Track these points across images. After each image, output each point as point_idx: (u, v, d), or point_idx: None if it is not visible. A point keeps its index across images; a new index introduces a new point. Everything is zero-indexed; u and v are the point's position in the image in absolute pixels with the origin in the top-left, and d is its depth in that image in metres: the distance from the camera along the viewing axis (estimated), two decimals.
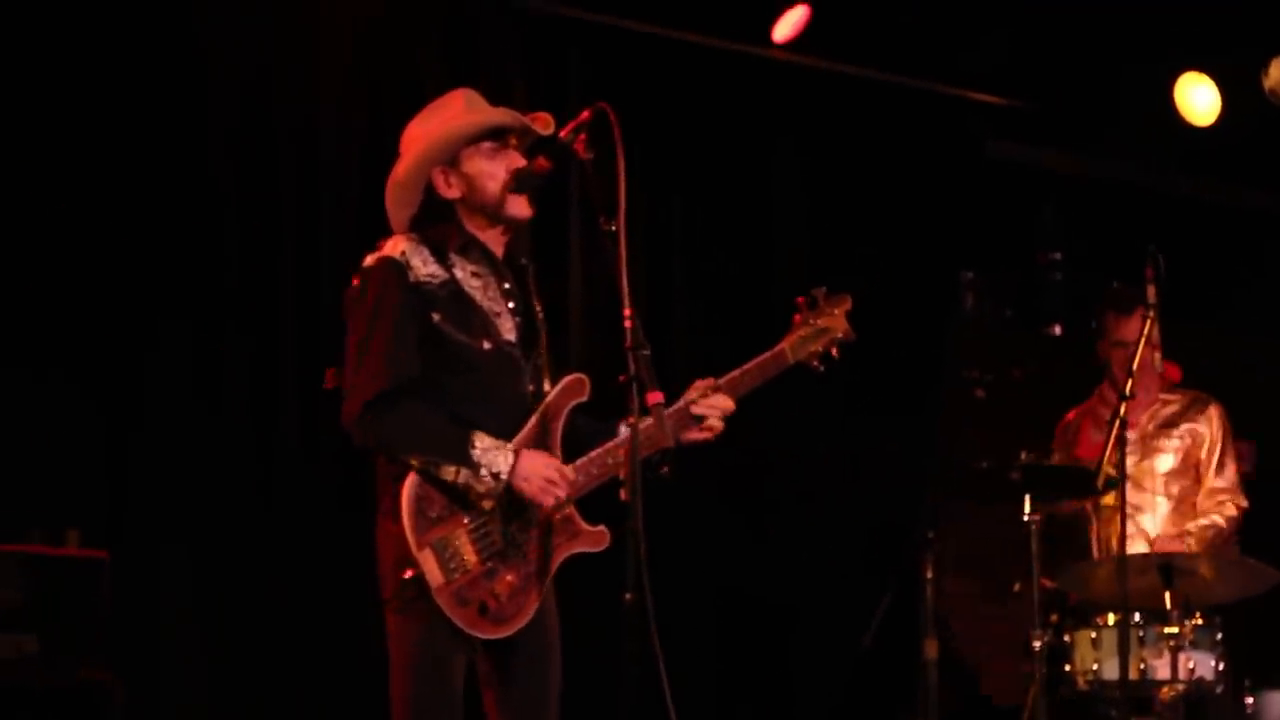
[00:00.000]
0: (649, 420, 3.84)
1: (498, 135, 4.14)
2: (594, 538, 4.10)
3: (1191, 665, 5.45)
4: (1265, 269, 8.17)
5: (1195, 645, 5.46)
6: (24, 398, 5.61)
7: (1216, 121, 7.39)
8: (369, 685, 4.24)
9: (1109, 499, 5.81)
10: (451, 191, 4.13)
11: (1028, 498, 5.45)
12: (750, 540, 6.94)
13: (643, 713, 3.72)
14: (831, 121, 7.29)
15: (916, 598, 6.27)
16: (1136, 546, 5.74)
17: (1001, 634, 6.97)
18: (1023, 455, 5.55)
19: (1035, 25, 7.17)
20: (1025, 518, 5.46)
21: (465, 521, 3.94)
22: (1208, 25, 7.07)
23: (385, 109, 6.08)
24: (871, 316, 4.56)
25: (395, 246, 4.05)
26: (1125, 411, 5.13)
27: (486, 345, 4.06)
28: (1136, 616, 5.46)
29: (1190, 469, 6.03)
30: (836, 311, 4.39)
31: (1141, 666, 5.44)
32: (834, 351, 4.37)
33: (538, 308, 4.23)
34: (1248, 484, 6.17)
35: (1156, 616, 5.47)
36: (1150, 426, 6.04)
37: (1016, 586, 5.87)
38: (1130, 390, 5.19)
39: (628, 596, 3.67)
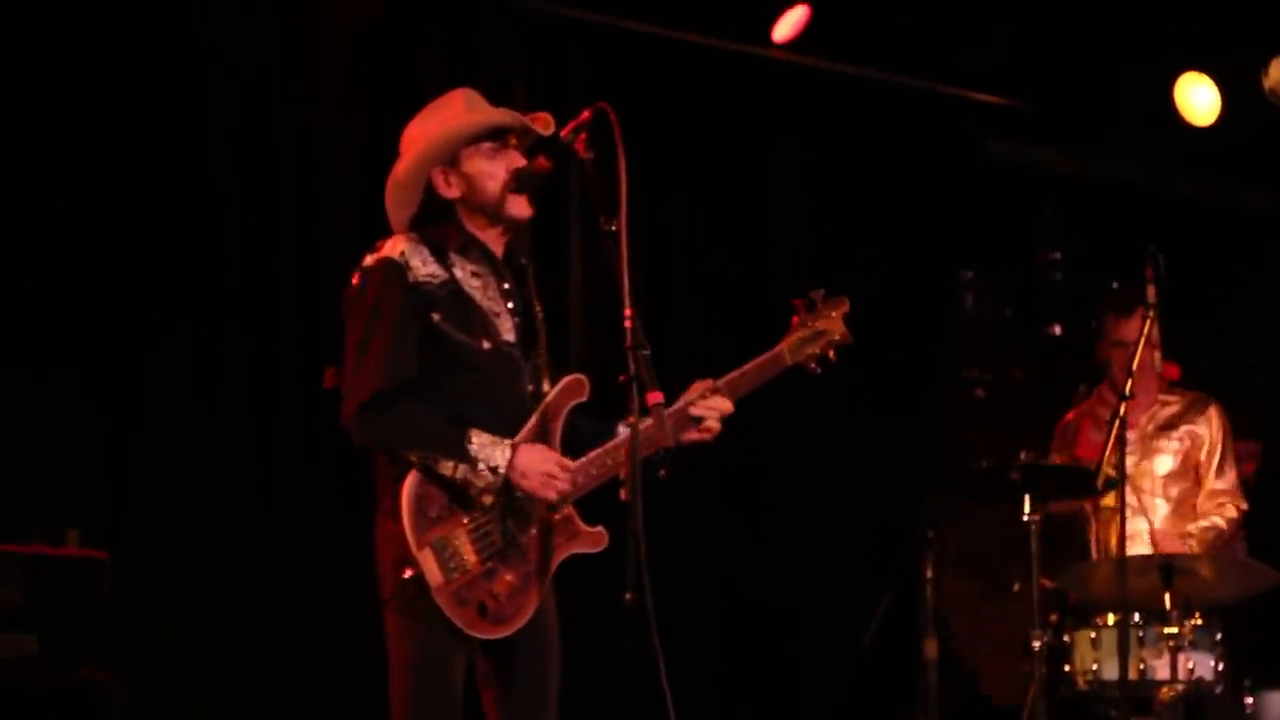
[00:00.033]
0: (649, 420, 3.84)
1: (498, 135, 4.14)
2: (593, 538, 4.10)
3: (1191, 665, 5.45)
4: (1265, 269, 8.18)
5: (1195, 645, 5.46)
6: (24, 398, 5.61)
7: (1216, 121, 7.39)
8: (369, 685, 4.24)
9: (1109, 500, 5.81)
10: (451, 191, 4.13)
11: (1027, 498, 5.45)
12: (750, 540, 6.95)
13: (643, 713, 3.72)
14: (831, 122, 7.29)
15: (916, 597, 6.27)
16: (1136, 548, 5.73)
17: (1001, 634, 6.97)
18: (1022, 455, 5.55)
19: (1035, 25, 7.17)
20: (1025, 518, 5.46)
21: (465, 521, 3.95)
22: (1208, 25, 7.07)
23: (385, 109, 6.08)
24: (872, 316, 4.57)
25: (395, 247, 4.06)
26: (1125, 411, 5.13)
27: (486, 345, 4.06)
28: (1136, 617, 5.46)
29: (1190, 471, 6.03)
30: (834, 314, 4.40)
31: (1141, 667, 5.44)
32: (831, 354, 4.37)
33: (537, 308, 4.23)
34: (1256, 483, 6.18)
35: (1156, 617, 5.47)
36: (1149, 428, 6.03)
37: (1016, 586, 5.87)
38: (1130, 390, 5.19)
39: (628, 596, 3.67)
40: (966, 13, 7.12)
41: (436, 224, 4.13)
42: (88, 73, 5.76)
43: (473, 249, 4.14)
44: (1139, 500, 5.90)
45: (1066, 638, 5.64)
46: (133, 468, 5.76)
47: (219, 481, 5.84)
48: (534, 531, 4.04)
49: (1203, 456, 6.01)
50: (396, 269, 4.01)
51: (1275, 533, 6.57)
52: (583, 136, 3.98)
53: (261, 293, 6.01)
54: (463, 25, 6.53)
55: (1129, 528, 5.32)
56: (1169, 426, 6.04)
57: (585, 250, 6.57)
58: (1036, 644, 5.44)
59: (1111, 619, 5.53)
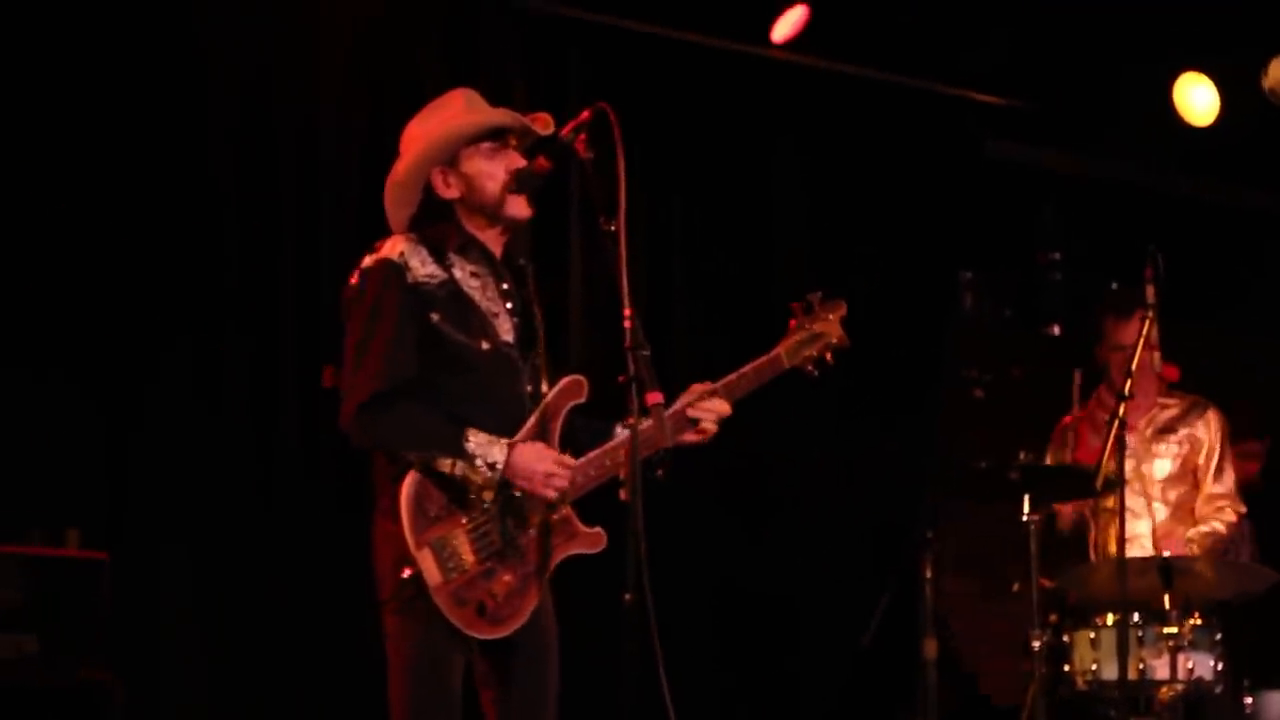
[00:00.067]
0: (648, 421, 3.85)
1: (497, 135, 4.14)
2: (591, 539, 4.10)
3: (1190, 665, 5.45)
4: (1265, 269, 8.18)
5: (1194, 645, 5.46)
6: (24, 398, 5.61)
7: (1216, 121, 7.39)
8: (368, 685, 4.24)
9: (1109, 502, 5.80)
10: (451, 191, 4.13)
11: (1027, 497, 5.44)
12: (750, 540, 6.95)
13: (642, 713, 3.72)
14: (831, 121, 7.30)
15: (916, 597, 6.27)
16: (1135, 552, 5.72)
17: (1001, 634, 6.97)
18: (1022, 455, 5.56)
19: (1035, 25, 7.17)
20: (1024, 517, 5.46)
21: (464, 522, 3.95)
22: (1207, 25, 7.07)
23: (385, 109, 6.08)
24: (871, 316, 4.57)
25: (394, 247, 4.06)
26: (1124, 412, 5.12)
27: (485, 345, 4.06)
28: (1136, 617, 5.46)
29: (1188, 474, 6.01)
30: (831, 317, 4.41)
31: (1140, 666, 5.43)
32: (829, 357, 4.39)
33: (536, 309, 4.23)
34: (1262, 483, 6.18)
35: (1155, 617, 5.47)
36: (1148, 431, 6.02)
37: (1015, 586, 5.87)
38: (1129, 390, 5.18)
39: (627, 596, 3.67)
40: (966, 12, 7.12)
41: (436, 224, 4.13)
42: (88, 73, 5.76)
43: (472, 249, 4.14)
44: (1138, 504, 5.90)
45: (1066, 638, 5.63)
46: (133, 468, 5.76)
47: (219, 481, 5.84)
48: (532, 532, 4.04)
49: (1201, 460, 6.00)
50: (395, 270, 4.01)
51: (1276, 533, 6.58)
52: (582, 136, 3.98)
53: (261, 293, 6.01)
54: (463, 25, 6.53)
55: (1128, 530, 5.32)
56: (1168, 430, 6.03)
57: (585, 250, 6.58)
58: (1036, 644, 5.43)
59: (1111, 619, 5.52)
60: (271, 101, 6.12)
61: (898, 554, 6.57)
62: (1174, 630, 5.42)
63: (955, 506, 7.04)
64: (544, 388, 4.16)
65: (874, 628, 6.46)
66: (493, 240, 4.17)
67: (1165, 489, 5.99)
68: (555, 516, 4.05)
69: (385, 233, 4.15)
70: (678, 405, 4.16)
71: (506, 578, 3.97)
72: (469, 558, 3.93)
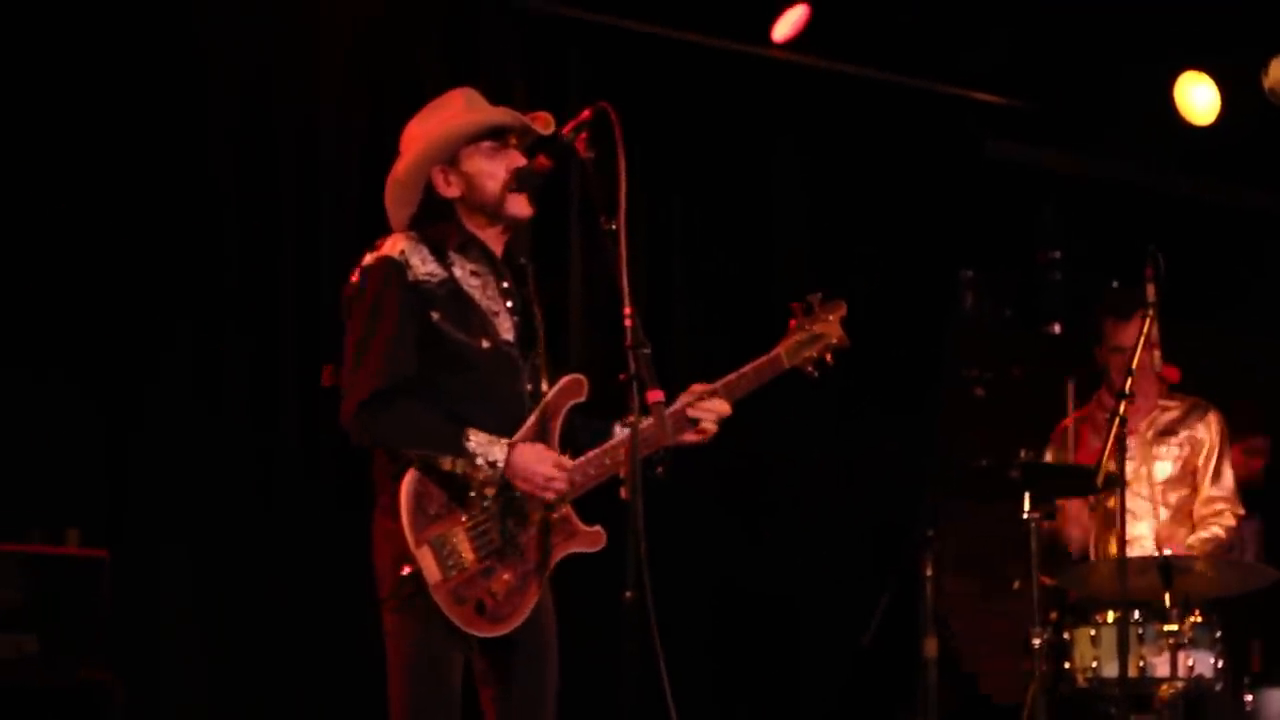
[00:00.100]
0: (649, 420, 3.85)
1: (498, 134, 4.15)
2: (591, 538, 4.11)
3: (1191, 663, 5.44)
4: (1265, 269, 8.18)
5: (1194, 643, 5.45)
6: (24, 398, 5.62)
7: (1216, 121, 7.39)
8: (369, 685, 4.24)
9: (1110, 504, 5.80)
10: (451, 190, 4.14)
11: (1027, 496, 5.44)
12: (750, 538, 6.95)
13: (643, 711, 3.72)
14: (831, 121, 7.30)
15: (916, 596, 6.26)
16: (1135, 554, 5.72)
17: (1001, 632, 6.97)
18: (1022, 454, 5.55)
19: (1035, 25, 7.18)
20: (1025, 516, 5.45)
21: (463, 520, 3.95)
22: (1207, 24, 7.07)
23: (385, 109, 6.08)
24: (871, 315, 4.57)
25: (394, 245, 4.06)
26: (1124, 410, 5.11)
27: (485, 344, 4.06)
28: (1136, 614, 5.46)
29: (1188, 476, 6.00)
30: (831, 318, 4.41)
31: (1141, 664, 5.43)
32: (828, 357, 4.39)
33: (536, 308, 4.23)
34: (1265, 480, 6.17)
35: (1156, 614, 5.47)
36: (1149, 434, 6.01)
37: (1016, 585, 5.87)
38: (1129, 388, 5.17)
39: (628, 595, 3.67)
40: (966, 12, 7.12)
41: (436, 223, 4.13)
42: (88, 73, 5.77)
43: (472, 248, 4.14)
44: (1139, 505, 5.90)
45: (1066, 635, 5.63)
46: (133, 467, 5.77)
47: (219, 481, 5.84)
48: (532, 530, 4.04)
49: (1200, 461, 5.99)
50: (396, 267, 4.01)
51: (1277, 532, 6.58)
52: (583, 136, 3.98)
53: (261, 293, 6.01)
54: (463, 25, 6.53)
55: (1129, 532, 5.31)
56: (1168, 432, 6.02)
57: (585, 249, 6.58)
58: (1036, 642, 5.43)
59: (1111, 617, 5.52)
60: (271, 101, 6.12)
61: (898, 553, 6.57)
62: (1174, 628, 5.42)
63: (955, 506, 7.04)
64: (544, 387, 4.16)
65: (874, 627, 6.45)
66: (493, 239, 4.17)
67: (1166, 491, 5.98)
68: (554, 515, 4.05)
69: (385, 232, 4.15)
70: (677, 405, 4.15)
71: (506, 576, 3.98)
72: (468, 556, 3.93)
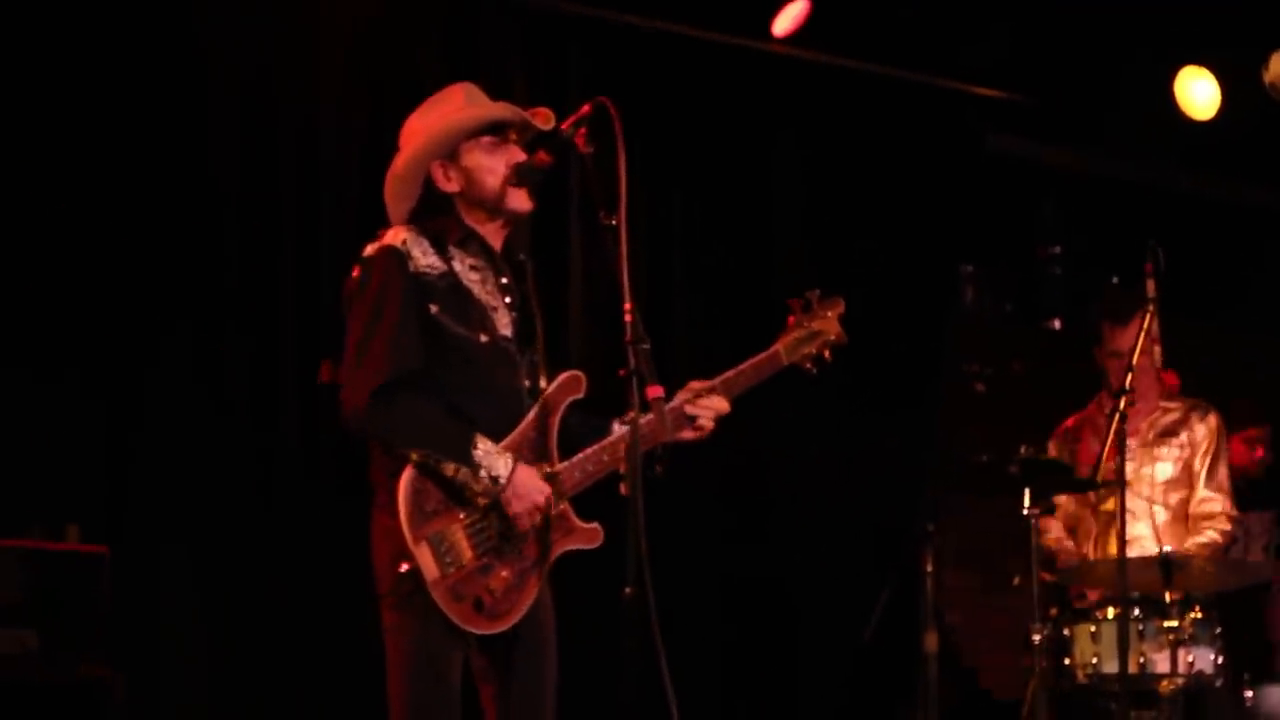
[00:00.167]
0: (649, 415, 3.85)
1: (497, 129, 4.15)
2: (588, 534, 4.11)
3: (1191, 659, 5.45)
4: (1266, 265, 8.17)
5: (1194, 639, 5.46)
6: (24, 395, 5.62)
7: (1216, 116, 7.38)
8: (369, 682, 4.24)
9: (1109, 504, 5.80)
10: (450, 185, 4.13)
11: (1027, 491, 5.44)
12: (751, 534, 6.95)
13: (643, 707, 3.72)
14: (832, 116, 7.29)
15: (916, 592, 6.27)
16: (1135, 555, 5.71)
17: (1001, 628, 6.97)
18: (1022, 449, 5.55)
19: (1036, 19, 7.17)
20: (1025, 511, 5.45)
21: (461, 517, 3.94)
22: (1208, 19, 7.07)
23: (385, 109, 6.07)
24: (871, 310, 4.57)
25: (396, 236, 4.05)
26: (1124, 406, 5.10)
27: (483, 339, 4.06)
28: (1136, 610, 5.46)
29: (1188, 477, 6.00)
30: (829, 314, 4.41)
31: (1141, 660, 5.44)
32: (827, 354, 4.40)
33: (535, 304, 4.22)
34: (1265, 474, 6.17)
35: (1156, 610, 5.47)
36: (1150, 435, 6.00)
37: (1016, 580, 5.87)
38: (1129, 384, 5.17)
39: (628, 591, 3.67)
40: (966, 7, 7.12)
41: (435, 218, 4.13)
42: (88, 73, 5.77)
43: (472, 243, 4.14)
44: (1139, 506, 5.90)
45: (1066, 631, 5.63)
46: (133, 463, 5.77)
47: (219, 478, 5.84)
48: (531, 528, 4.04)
49: (1196, 460, 5.99)
50: (398, 257, 4.01)
51: None
52: (583, 131, 3.98)
53: (261, 293, 6.02)
54: (463, 24, 6.53)
55: (1129, 532, 5.31)
56: (1169, 434, 6.01)
57: (585, 245, 6.57)
58: (1036, 638, 5.43)
59: (1111, 613, 5.53)
60: (271, 101, 6.12)
61: (898, 549, 6.57)
62: (1174, 624, 5.42)
63: (956, 501, 7.05)
64: (542, 383, 4.16)
65: (874, 622, 6.46)
66: (493, 234, 4.17)
67: (1166, 492, 5.97)
68: (553, 512, 4.05)
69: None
70: (675, 402, 4.15)
71: (504, 573, 3.97)
72: (466, 553, 3.93)
